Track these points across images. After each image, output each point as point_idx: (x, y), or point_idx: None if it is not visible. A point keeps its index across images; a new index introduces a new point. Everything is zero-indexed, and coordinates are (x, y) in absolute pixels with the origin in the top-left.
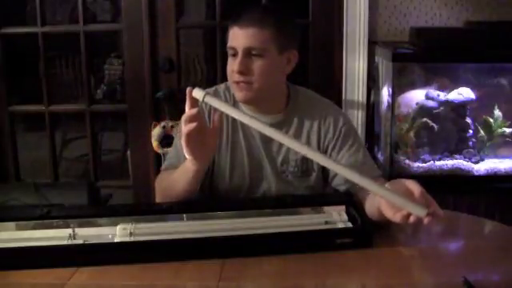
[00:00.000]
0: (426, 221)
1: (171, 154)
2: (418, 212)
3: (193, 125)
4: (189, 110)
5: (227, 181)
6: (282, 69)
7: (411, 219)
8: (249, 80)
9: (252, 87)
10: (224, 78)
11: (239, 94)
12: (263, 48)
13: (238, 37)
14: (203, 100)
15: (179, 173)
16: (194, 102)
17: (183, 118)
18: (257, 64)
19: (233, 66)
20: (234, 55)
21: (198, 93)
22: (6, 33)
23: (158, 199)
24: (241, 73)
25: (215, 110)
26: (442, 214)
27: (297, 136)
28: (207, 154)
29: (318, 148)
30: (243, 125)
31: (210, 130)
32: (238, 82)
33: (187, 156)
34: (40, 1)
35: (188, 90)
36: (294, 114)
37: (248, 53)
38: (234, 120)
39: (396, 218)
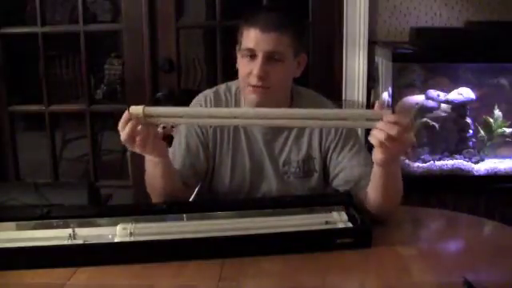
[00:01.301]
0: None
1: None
2: (376, 116)
3: (127, 130)
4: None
5: (227, 181)
6: (294, 72)
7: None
8: (267, 84)
9: (268, 91)
10: (224, 78)
11: (254, 97)
12: (283, 53)
13: (259, 40)
14: (143, 112)
15: (149, 168)
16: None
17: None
18: (276, 69)
19: (249, 68)
20: (251, 57)
21: (135, 108)
22: (6, 33)
23: (152, 197)
24: (260, 77)
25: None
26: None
27: (299, 136)
28: (159, 145)
29: (320, 149)
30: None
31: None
32: (255, 86)
33: (148, 155)
34: (40, 1)
35: (125, 112)
36: None
37: (268, 57)
38: None
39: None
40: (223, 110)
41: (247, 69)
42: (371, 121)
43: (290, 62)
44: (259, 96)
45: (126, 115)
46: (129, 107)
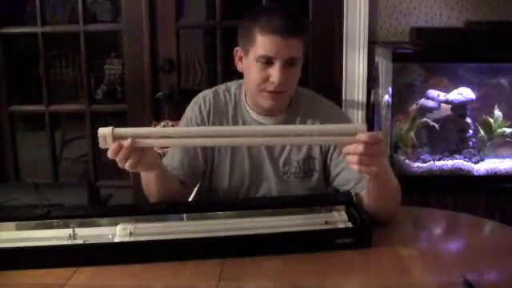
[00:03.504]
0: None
1: (168, 154)
2: (357, 128)
3: (135, 156)
4: (117, 146)
5: (227, 181)
6: (299, 74)
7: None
8: (284, 89)
9: (283, 95)
10: (224, 78)
11: (271, 103)
12: (299, 57)
13: (280, 48)
14: (112, 133)
15: (145, 180)
16: (104, 141)
17: (112, 156)
18: (292, 73)
19: (264, 74)
20: (268, 63)
21: (103, 130)
22: (6, 33)
23: (149, 199)
24: (281, 84)
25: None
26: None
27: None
28: (152, 159)
29: (320, 148)
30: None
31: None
32: (273, 92)
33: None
34: (40, 1)
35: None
36: (297, 114)
37: (286, 63)
38: (234, 121)
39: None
40: (214, 129)
41: (262, 74)
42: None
43: (300, 65)
44: (277, 102)
45: (115, 146)
46: (163, 96)
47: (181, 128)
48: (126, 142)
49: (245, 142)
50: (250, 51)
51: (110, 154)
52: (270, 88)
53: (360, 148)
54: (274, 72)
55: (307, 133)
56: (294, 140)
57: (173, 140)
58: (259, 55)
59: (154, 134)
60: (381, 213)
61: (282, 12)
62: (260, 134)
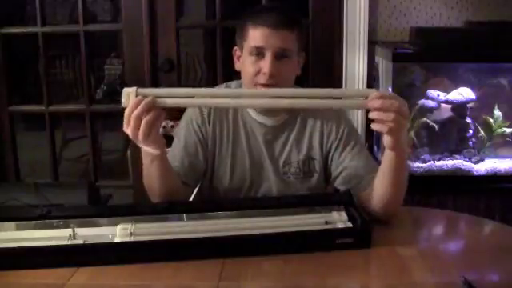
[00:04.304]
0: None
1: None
2: (368, 91)
3: (154, 114)
4: (137, 100)
5: (227, 181)
6: (296, 70)
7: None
8: (276, 82)
9: None
10: (224, 78)
11: None
12: (291, 50)
13: (269, 38)
14: (136, 91)
15: (146, 167)
16: (127, 99)
17: (129, 113)
18: (284, 66)
19: (256, 67)
20: (258, 56)
21: (128, 89)
22: (6, 33)
23: (150, 197)
24: (272, 75)
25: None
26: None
27: (299, 137)
28: (159, 136)
29: (321, 149)
30: (245, 125)
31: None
32: (265, 85)
33: (148, 147)
34: (40, 1)
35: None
36: (297, 114)
37: (277, 54)
38: (234, 121)
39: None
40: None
41: (255, 68)
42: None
43: (295, 60)
44: None
45: (137, 99)
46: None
47: (204, 89)
48: (147, 98)
49: (270, 103)
50: (244, 46)
51: (129, 108)
52: (262, 80)
53: (376, 103)
54: (265, 63)
55: (322, 95)
56: (312, 103)
57: (195, 100)
58: (251, 47)
59: (176, 94)
60: (386, 206)
61: (274, 7)
62: (283, 96)
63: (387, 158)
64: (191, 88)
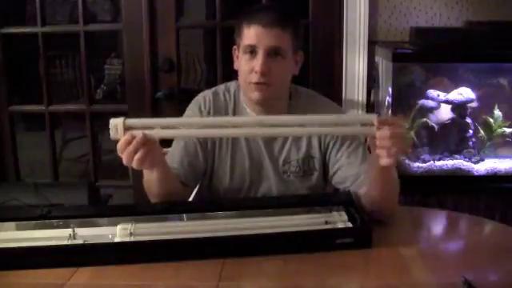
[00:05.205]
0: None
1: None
2: (369, 117)
3: (145, 149)
4: (129, 137)
5: (227, 181)
6: (292, 69)
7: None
8: (268, 81)
9: (270, 88)
10: (224, 78)
11: (257, 94)
12: (285, 49)
13: (261, 36)
14: (124, 123)
15: (147, 178)
16: (116, 131)
17: (122, 147)
18: (277, 65)
19: (250, 65)
20: (252, 54)
21: (115, 120)
22: (6, 33)
23: (149, 198)
24: (263, 73)
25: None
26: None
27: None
28: (159, 156)
29: (319, 146)
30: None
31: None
32: (257, 83)
33: (146, 170)
34: (40, 1)
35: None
36: (296, 113)
37: (270, 53)
38: None
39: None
40: (218, 120)
41: (248, 66)
42: (364, 125)
43: (289, 59)
44: (262, 93)
45: (127, 137)
46: (163, 96)
47: (191, 118)
48: (139, 135)
49: (259, 133)
50: (240, 45)
51: (120, 145)
52: (255, 79)
53: (386, 134)
54: (257, 62)
55: (321, 123)
56: (310, 131)
57: (184, 131)
58: (245, 45)
59: (165, 124)
60: (380, 208)
61: (270, 6)
62: (272, 124)
63: (381, 170)
64: (179, 118)
